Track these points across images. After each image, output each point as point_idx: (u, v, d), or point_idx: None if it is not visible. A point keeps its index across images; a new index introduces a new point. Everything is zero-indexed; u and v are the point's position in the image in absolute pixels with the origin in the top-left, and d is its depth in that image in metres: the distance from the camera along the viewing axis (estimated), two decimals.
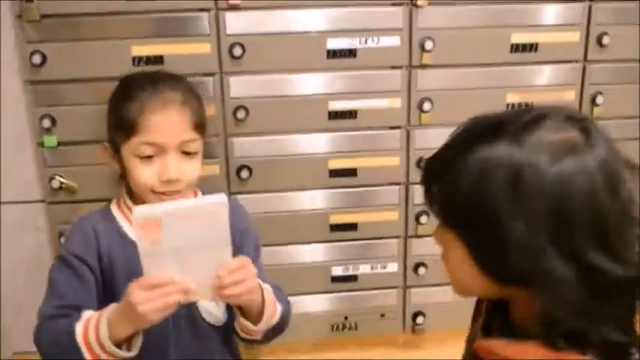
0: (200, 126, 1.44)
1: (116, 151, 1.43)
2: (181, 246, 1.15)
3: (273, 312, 1.39)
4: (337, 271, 2.20)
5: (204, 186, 1.72)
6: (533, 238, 0.85)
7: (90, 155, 1.94)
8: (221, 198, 1.15)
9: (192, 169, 1.43)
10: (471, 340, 1.18)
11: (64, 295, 1.37)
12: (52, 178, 1.99)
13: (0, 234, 2.11)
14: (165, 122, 1.37)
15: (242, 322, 1.36)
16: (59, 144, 1.96)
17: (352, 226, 2.15)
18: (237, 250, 1.45)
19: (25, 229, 2.11)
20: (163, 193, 1.40)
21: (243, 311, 1.36)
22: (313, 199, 2.12)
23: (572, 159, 0.85)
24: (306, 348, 2.33)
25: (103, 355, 1.25)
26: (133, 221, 1.13)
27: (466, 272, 0.94)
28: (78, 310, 1.32)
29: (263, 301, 1.36)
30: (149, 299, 1.16)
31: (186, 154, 1.41)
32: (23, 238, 2.13)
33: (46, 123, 1.93)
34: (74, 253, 1.41)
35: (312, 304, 2.24)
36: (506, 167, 0.85)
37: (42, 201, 2.07)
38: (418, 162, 2.08)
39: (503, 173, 0.85)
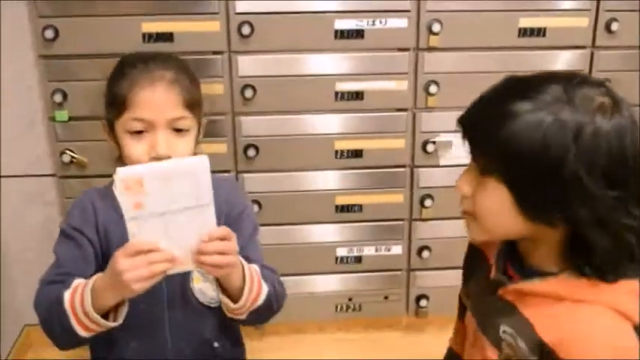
0: (191, 104, 1.45)
1: (112, 129, 1.46)
2: (165, 210, 1.15)
3: (257, 292, 1.37)
4: (342, 252, 2.22)
5: (211, 164, 1.75)
6: (593, 185, 0.98)
7: (100, 130, 1.99)
8: (202, 158, 1.15)
9: (183, 146, 1.44)
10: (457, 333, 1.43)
11: (63, 263, 1.39)
12: (62, 153, 2.03)
13: (13, 207, 2.17)
14: (154, 98, 1.39)
15: (221, 299, 1.36)
16: (70, 119, 2.00)
17: (358, 208, 2.17)
18: (234, 229, 1.48)
19: (36, 202, 2.16)
20: None
21: (223, 288, 1.36)
22: (319, 180, 2.14)
23: (618, 117, 0.99)
24: (311, 328, 2.36)
25: (88, 323, 1.27)
26: (115, 181, 1.14)
27: (504, 214, 1.06)
28: (76, 277, 1.35)
29: (244, 279, 1.35)
30: (134, 267, 1.16)
31: (177, 131, 1.43)
32: (34, 211, 2.17)
33: (58, 98, 1.96)
34: (73, 225, 1.43)
35: (317, 284, 2.27)
36: (568, 126, 0.98)
37: (53, 175, 2.12)
38: (424, 145, 2.08)
39: (565, 132, 0.98)
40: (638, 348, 1.02)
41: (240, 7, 1.93)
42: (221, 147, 2.05)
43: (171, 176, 1.12)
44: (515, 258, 1.17)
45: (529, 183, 1.03)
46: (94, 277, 1.27)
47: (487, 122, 1.05)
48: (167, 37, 1.93)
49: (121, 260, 1.16)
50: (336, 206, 2.16)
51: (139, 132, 1.40)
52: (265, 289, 1.37)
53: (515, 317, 1.13)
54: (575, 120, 0.98)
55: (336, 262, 2.23)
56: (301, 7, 1.94)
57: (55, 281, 1.36)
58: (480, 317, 1.24)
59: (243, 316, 1.37)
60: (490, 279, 1.20)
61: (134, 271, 1.15)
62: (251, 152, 2.05)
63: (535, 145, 0.99)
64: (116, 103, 1.41)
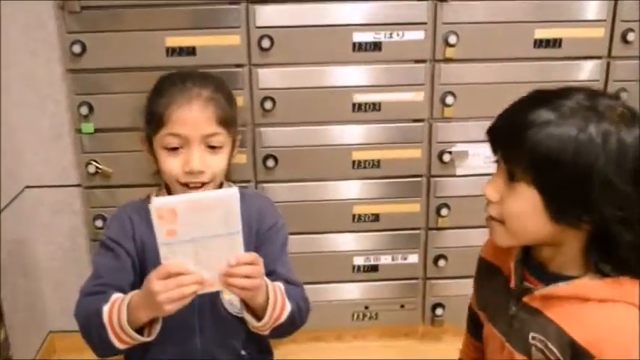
0: (225, 121, 1.50)
1: (150, 145, 1.52)
2: (196, 237, 1.21)
3: (280, 311, 1.41)
4: (359, 260, 2.25)
5: (232, 174, 1.80)
6: (620, 185, 1.08)
7: (125, 142, 2.05)
8: (232, 191, 1.21)
9: (217, 162, 1.49)
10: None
11: (101, 274, 1.45)
12: (88, 164, 2.08)
13: (39, 217, 2.22)
14: (190, 115, 1.45)
15: (245, 317, 1.40)
16: (96, 130, 2.06)
17: (375, 217, 2.20)
18: (264, 242, 1.54)
19: (63, 212, 2.21)
20: (186, 185, 1.47)
21: (247, 306, 1.39)
22: (337, 189, 2.17)
23: (638, 124, 1.10)
24: (329, 336, 2.40)
25: (124, 337, 1.32)
26: (151, 211, 1.19)
27: (533, 217, 1.14)
28: (114, 287, 1.40)
29: (267, 298, 1.38)
30: (166, 288, 1.21)
31: (211, 147, 1.48)
32: (60, 221, 2.23)
33: (84, 110, 2.02)
34: (111, 237, 1.50)
35: (335, 292, 2.30)
36: (596, 134, 1.07)
37: (78, 185, 2.17)
38: (440, 155, 2.11)
39: (594, 139, 1.07)
40: None
41: (260, 21, 1.97)
42: (241, 157, 2.10)
43: (203, 207, 1.19)
44: (532, 266, 1.25)
45: (560, 186, 1.10)
46: (131, 293, 1.33)
47: (519, 131, 1.11)
48: (190, 51, 1.98)
49: (155, 282, 1.22)
50: (354, 215, 2.19)
51: (175, 148, 1.45)
52: (289, 307, 1.42)
53: (544, 322, 1.19)
54: (603, 128, 1.07)
55: (353, 271, 2.26)
56: (320, 21, 1.99)
57: (93, 292, 1.42)
58: (503, 327, 1.28)
59: (266, 332, 1.42)
60: (511, 289, 1.26)
61: (166, 292, 1.21)
62: (270, 163, 2.09)
63: (566, 151, 1.07)
64: (154, 120, 1.48)
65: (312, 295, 2.23)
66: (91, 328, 1.37)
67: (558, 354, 1.17)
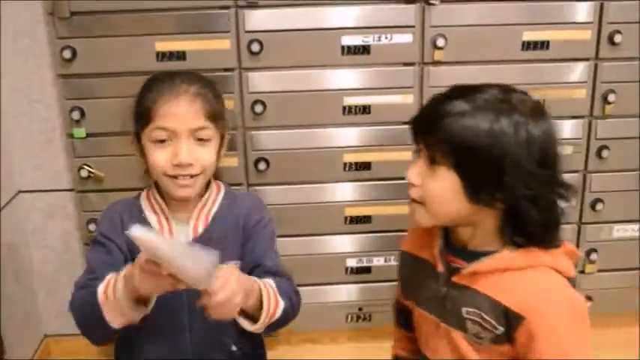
0: (213, 116, 1.52)
1: (139, 142, 1.53)
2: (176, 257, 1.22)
3: (274, 309, 1.43)
4: (352, 262, 2.26)
5: (224, 177, 1.81)
6: (529, 167, 1.22)
7: (116, 146, 2.06)
8: (213, 256, 1.20)
9: (206, 155, 1.51)
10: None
11: (94, 269, 1.48)
12: (80, 168, 2.10)
13: (32, 221, 2.24)
14: (178, 109, 1.47)
15: (239, 321, 1.40)
16: (88, 135, 2.07)
17: (367, 219, 2.21)
18: (251, 237, 1.56)
19: (56, 216, 2.23)
20: (175, 177, 1.48)
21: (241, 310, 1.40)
22: (329, 192, 2.19)
23: (544, 119, 1.25)
24: (323, 338, 2.41)
25: (118, 314, 1.34)
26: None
27: (452, 198, 1.26)
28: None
29: (261, 301, 1.40)
30: (144, 279, 1.25)
31: (200, 141, 1.50)
32: (54, 225, 2.24)
33: (76, 115, 2.04)
34: (102, 233, 1.54)
35: (328, 294, 2.31)
36: (510, 123, 1.21)
37: (71, 190, 2.18)
38: None
39: (508, 128, 1.21)
40: (578, 295, 1.29)
41: (250, 25, 1.99)
42: (233, 161, 2.11)
43: (181, 256, 1.19)
44: (453, 249, 1.38)
45: (476, 170, 1.24)
46: (125, 266, 1.35)
47: (438, 120, 1.24)
48: (180, 55, 1.99)
49: (135, 269, 1.26)
50: (346, 217, 2.21)
51: (163, 141, 1.48)
52: (282, 304, 1.43)
53: (475, 296, 1.31)
54: (514, 120, 1.21)
55: (347, 273, 2.28)
56: (309, 25, 2.00)
57: (87, 285, 1.46)
58: (436, 309, 1.39)
59: (260, 331, 1.43)
60: (438, 273, 1.38)
61: (144, 282, 1.25)
62: (262, 166, 2.10)
63: (482, 139, 1.21)
64: (143, 115, 1.50)
65: (305, 298, 2.23)
66: (86, 314, 1.40)
67: (494, 322, 1.29)
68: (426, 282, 1.42)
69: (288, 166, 2.14)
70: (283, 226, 2.18)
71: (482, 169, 1.23)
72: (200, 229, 1.56)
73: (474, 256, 1.32)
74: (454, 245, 1.38)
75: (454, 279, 1.34)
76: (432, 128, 1.26)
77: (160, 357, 1.57)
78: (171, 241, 1.29)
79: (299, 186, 2.17)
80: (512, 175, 1.21)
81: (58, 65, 2.01)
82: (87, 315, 1.40)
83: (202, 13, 1.98)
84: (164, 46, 1.99)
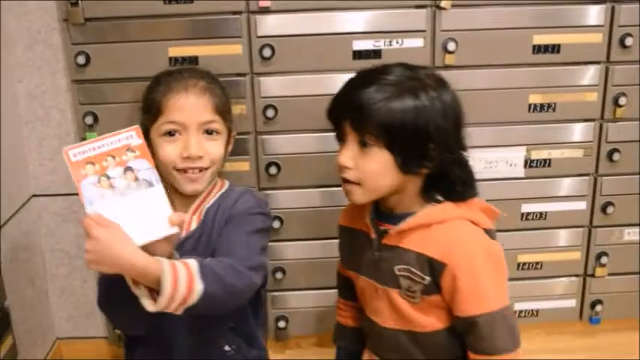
0: (221, 110, 1.55)
1: (148, 139, 1.55)
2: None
3: (186, 292, 1.31)
4: None
5: (235, 181, 1.82)
6: (451, 135, 1.43)
7: None
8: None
9: (215, 148, 1.54)
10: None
11: None
12: None
13: (45, 225, 2.26)
14: (187, 103, 1.50)
15: (136, 293, 1.33)
16: None
17: None
18: (228, 224, 1.56)
19: (68, 220, 2.25)
20: (185, 171, 1.50)
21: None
22: (340, 196, 2.17)
23: (448, 87, 1.47)
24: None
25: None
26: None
27: (386, 175, 1.42)
28: None
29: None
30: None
31: (208, 134, 1.52)
32: (66, 228, 2.26)
33: (89, 120, 2.05)
34: None
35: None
36: (428, 99, 1.40)
37: None
38: None
39: (427, 103, 1.39)
40: (494, 242, 1.48)
41: (262, 30, 2.00)
42: (244, 165, 2.12)
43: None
44: (382, 216, 1.54)
45: (406, 145, 1.40)
46: None
47: (365, 108, 1.39)
48: (192, 60, 2.01)
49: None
50: None
51: (172, 135, 1.49)
52: (199, 287, 1.33)
53: (403, 253, 1.48)
54: (430, 95, 1.40)
55: None
56: (320, 30, 2.01)
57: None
58: (373, 273, 1.55)
59: (178, 312, 1.34)
60: (372, 239, 1.54)
61: None
62: (273, 170, 2.12)
63: (409, 118, 1.37)
64: (152, 109, 1.53)
65: (316, 302, 2.29)
66: (111, 295, 1.42)
67: (420, 273, 1.45)
68: (362, 250, 1.58)
69: (300, 171, 2.14)
70: (294, 230, 2.21)
71: (411, 143, 1.39)
72: (193, 226, 1.57)
73: (401, 217, 1.49)
74: (383, 212, 1.54)
75: (384, 241, 1.51)
76: (361, 115, 1.40)
77: (150, 357, 1.58)
78: None
79: (311, 190, 2.17)
80: (437, 142, 1.40)
81: (73, 71, 2.03)
82: (112, 296, 1.42)
83: (214, 18, 1.99)
84: (177, 51, 2.00)
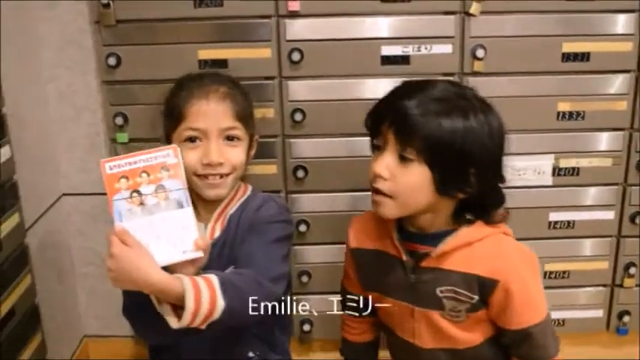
0: (243, 116, 1.56)
1: (169, 143, 1.56)
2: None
3: (208, 310, 1.32)
4: None
5: (262, 184, 1.84)
6: (494, 157, 1.40)
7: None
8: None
9: (235, 154, 1.54)
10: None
11: None
12: None
13: (75, 224, 2.29)
14: (208, 109, 1.51)
15: (161, 312, 1.34)
16: (130, 140, 2.11)
17: None
18: (249, 233, 1.56)
19: (98, 219, 2.27)
20: (206, 177, 1.51)
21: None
22: (366, 200, 2.17)
23: (493, 110, 1.42)
24: None
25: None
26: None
27: (422, 192, 1.37)
28: None
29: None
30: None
31: (229, 140, 1.53)
32: (96, 227, 2.29)
33: (119, 120, 2.08)
34: None
35: None
36: (477, 122, 1.35)
37: None
38: None
39: (476, 127, 1.34)
40: (527, 247, 1.46)
41: (291, 34, 2.01)
42: (272, 168, 2.13)
43: None
44: (410, 236, 1.48)
45: (448, 165, 1.35)
46: None
47: (415, 120, 1.33)
48: (222, 63, 2.02)
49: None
50: None
51: (194, 141, 1.50)
52: (221, 303, 1.33)
53: (446, 275, 1.43)
54: (479, 117, 1.35)
55: None
56: (349, 35, 2.02)
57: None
58: (408, 296, 1.49)
59: (202, 327, 1.35)
60: (403, 261, 1.48)
61: None
62: (300, 173, 2.12)
63: (456, 138, 1.32)
64: (173, 115, 1.54)
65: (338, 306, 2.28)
66: (134, 309, 1.44)
67: (468, 293, 1.41)
68: (391, 273, 1.51)
69: (327, 174, 2.15)
70: (320, 234, 2.21)
71: (454, 165, 1.35)
72: (217, 233, 1.58)
73: (434, 238, 1.44)
74: (411, 232, 1.48)
75: (423, 264, 1.45)
76: (408, 126, 1.33)
77: None
78: None
79: (337, 194, 2.18)
80: (478, 167, 1.36)
81: (103, 72, 2.06)
82: (134, 310, 1.45)
83: (244, 22, 2.01)
84: (206, 54, 2.02)
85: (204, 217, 1.59)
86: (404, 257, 1.47)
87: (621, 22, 2.02)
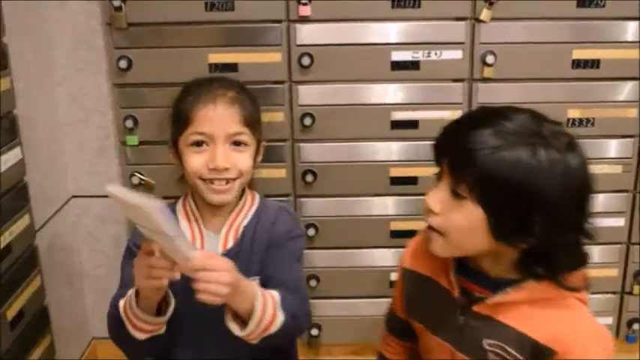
0: (250, 122, 1.54)
1: (176, 149, 1.56)
2: (157, 231, 1.19)
3: (270, 321, 1.35)
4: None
5: (271, 188, 1.83)
6: (567, 213, 1.15)
7: (167, 154, 2.10)
8: (153, 202, 1.15)
9: (242, 159, 1.53)
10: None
11: (127, 283, 1.46)
12: (132, 175, 2.15)
13: (84, 226, 2.30)
14: (215, 114, 1.50)
15: (228, 325, 1.36)
16: (140, 143, 2.12)
17: (412, 233, 2.20)
18: (275, 250, 1.54)
19: (107, 222, 2.28)
20: (211, 181, 1.50)
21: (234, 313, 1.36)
22: (375, 205, 2.20)
23: (579, 152, 1.17)
24: (368, 351, 2.38)
25: (139, 323, 1.37)
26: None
27: (475, 235, 1.18)
28: None
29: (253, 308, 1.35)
30: (142, 264, 1.27)
31: (236, 146, 1.52)
32: (105, 230, 2.30)
33: (129, 123, 2.09)
34: (136, 243, 1.48)
35: (373, 307, 2.29)
36: (546, 162, 1.12)
37: None
38: None
39: (543, 167, 1.12)
40: (602, 326, 1.25)
41: (301, 39, 2.02)
42: (280, 172, 2.14)
43: (134, 207, 1.16)
44: (470, 273, 1.29)
45: (506, 209, 1.15)
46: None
47: (469, 152, 1.14)
48: (232, 67, 2.03)
49: (139, 255, 1.29)
50: (391, 232, 2.21)
51: (200, 145, 1.50)
52: (281, 318, 1.37)
53: (499, 328, 1.24)
54: (551, 156, 1.12)
55: (391, 287, 2.26)
56: (359, 40, 2.02)
57: (117, 301, 1.46)
58: (452, 337, 1.32)
59: (255, 341, 1.37)
60: (454, 299, 1.29)
61: (143, 268, 1.27)
62: (309, 177, 2.13)
63: (517, 176, 1.12)
64: (181, 120, 1.53)
65: (349, 311, 2.30)
66: (117, 331, 1.42)
67: (518, 355, 1.22)
68: (438, 306, 1.34)
69: (335, 179, 2.15)
70: (329, 238, 2.21)
71: (512, 208, 1.15)
72: (230, 243, 1.56)
73: (495, 284, 1.25)
74: (470, 269, 1.29)
75: (475, 308, 1.27)
76: (461, 159, 1.17)
77: None
78: (146, 199, 1.19)
79: (346, 198, 2.18)
80: (545, 216, 1.14)
81: (114, 74, 2.07)
82: (117, 332, 1.42)
83: (255, 26, 2.02)
84: (217, 57, 2.03)
85: (213, 224, 1.58)
86: (456, 294, 1.30)
87: (631, 29, 2.02)
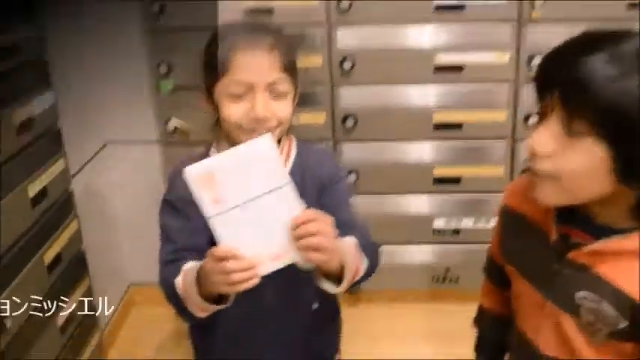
0: (290, 68, 1.47)
1: (210, 95, 1.50)
2: (245, 200, 1.11)
3: (357, 270, 1.34)
4: (439, 223, 2.22)
5: (309, 134, 1.79)
6: None
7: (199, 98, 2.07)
8: (264, 137, 1.10)
9: (282, 108, 1.46)
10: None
11: (175, 239, 1.42)
12: (167, 121, 2.11)
13: (119, 172, 2.28)
14: (254, 61, 1.41)
15: (321, 286, 1.31)
16: (175, 88, 2.07)
17: (456, 180, 2.16)
18: (326, 195, 1.46)
19: (142, 168, 2.26)
20: (253, 131, 1.45)
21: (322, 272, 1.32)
22: (418, 151, 2.15)
23: None
24: (407, 297, 2.38)
25: (201, 309, 1.30)
26: (187, 181, 1.12)
27: (596, 178, 1.01)
28: (190, 250, 1.38)
29: (345, 261, 1.30)
30: (215, 271, 1.18)
31: (276, 94, 1.46)
32: (140, 176, 2.28)
33: (163, 68, 2.04)
34: (178, 195, 1.41)
35: (413, 254, 2.28)
36: None
37: (158, 142, 2.21)
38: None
39: None
40: None
41: (342, 43, 2.01)
42: (319, 117, 2.10)
43: (240, 162, 1.10)
44: (575, 218, 1.12)
45: (637, 146, 0.97)
46: (198, 265, 1.28)
47: (588, 83, 0.97)
48: (267, 11, 1.97)
49: (209, 262, 1.20)
50: (435, 178, 2.17)
51: (239, 95, 1.44)
52: (365, 263, 1.37)
53: (595, 280, 1.08)
54: None
55: (433, 234, 2.24)
56: (401, 44, 2.02)
57: (170, 260, 1.39)
58: (544, 285, 1.18)
59: (342, 290, 1.34)
60: (551, 244, 1.14)
61: (216, 275, 1.19)
62: (349, 122, 2.08)
63: None
64: (217, 67, 1.45)
65: (389, 257, 2.24)
66: (173, 299, 1.38)
67: (616, 315, 1.07)
68: (533, 250, 1.19)
69: (377, 124, 2.11)
70: (369, 184, 2.19)
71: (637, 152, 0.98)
72: None
73: (601, 231, 1.08)
74: (577, 214, 1.12)
75: (571, 255, 1.11)
76: (578, 90, 0.99)
77: (239, 315, 1.55)
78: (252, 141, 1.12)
79: (387, 143, 2.14)
80: None
81: (147, 20, 2.02)
82: (173, 300, 1.39)
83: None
84: (250, 4, 1.98)
85: None
86: (552, 237, 1.14)
87: None
